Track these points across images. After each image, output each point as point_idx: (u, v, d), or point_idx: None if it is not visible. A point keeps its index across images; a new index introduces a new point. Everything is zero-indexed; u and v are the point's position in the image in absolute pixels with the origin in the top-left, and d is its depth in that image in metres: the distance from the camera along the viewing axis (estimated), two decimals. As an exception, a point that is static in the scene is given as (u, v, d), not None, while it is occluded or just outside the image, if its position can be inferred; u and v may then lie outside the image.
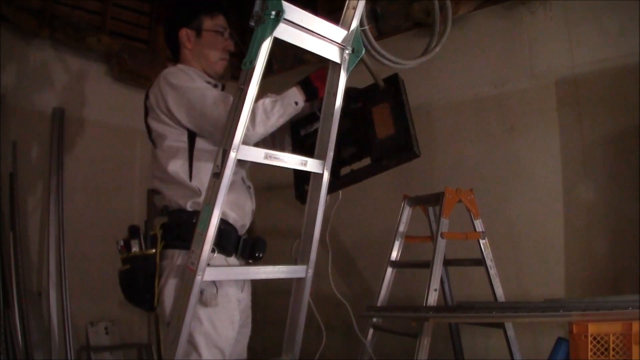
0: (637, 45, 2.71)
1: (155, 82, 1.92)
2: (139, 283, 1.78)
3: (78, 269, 3.58)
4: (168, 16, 2.19)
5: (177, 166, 1.85)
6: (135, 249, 1.80)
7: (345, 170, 2.09)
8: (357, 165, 2.06)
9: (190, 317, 1.43)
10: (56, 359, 3.31)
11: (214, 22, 2.00)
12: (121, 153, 4.00)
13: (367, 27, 1.84)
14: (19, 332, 3.12)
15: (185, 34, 1.97)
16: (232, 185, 1.85)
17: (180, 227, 1.79)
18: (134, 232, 1.83)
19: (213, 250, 1.73)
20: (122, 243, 1.84)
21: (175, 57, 2.04)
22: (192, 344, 1.67)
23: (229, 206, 1.84)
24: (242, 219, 1.91)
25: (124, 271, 1.83)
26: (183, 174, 1.84)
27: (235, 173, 1.89)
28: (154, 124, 1.94)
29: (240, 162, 1.92)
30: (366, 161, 2.04)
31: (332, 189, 1.98)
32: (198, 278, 1.40)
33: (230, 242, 1.83)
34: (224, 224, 1.81)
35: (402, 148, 1.92)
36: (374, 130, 1.98)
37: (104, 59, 3.89)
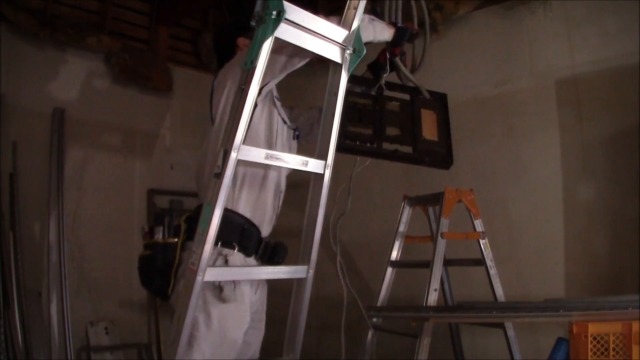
0: (637, 45, 2.71)
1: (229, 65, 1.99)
2: (157, 270, 1.80)
3: (78, 269, 3.58)
4: (222, 28, 2.37)
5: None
6: (158, 236, 1.82)
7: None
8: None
9: (191, 317, 1.43)
10: (56, 359, 3.31)
11: None
12: (121, 153, 4.00)
13: (404, 55, 2.16)
14: (19, 332, 3.12)
15: (243, 41, 2.09)
16: (262, 187, 1.88)
17: None
18: (159, 219, 1.83)
19: (233, 247, 1.77)
20: (146, 229, 1.86)
21: (221, 64, 2.10)
22: (194, 336, 1.66)
23: (256, 206, 1.86)
24: (264, 222, 1.91)
25: (145, 257, 1.84)
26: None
27: (274, 174, 1.92)
28: (215, 101, 1.93)
29: (276, 167, 1.92)
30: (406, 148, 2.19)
31: (369, 153, 2.16)
32: (199, 278, 1.40)
33: (252, 242, 1.84)
34: (247, 223, 1.83)
35: (443, 158, 2.21)
36: (421, 128, 2.18)
37: (104, 59, 3.89)
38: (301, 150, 1.67)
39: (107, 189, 3.86)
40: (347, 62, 1.64)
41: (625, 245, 2.69)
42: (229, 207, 1.80)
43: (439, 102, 2.31)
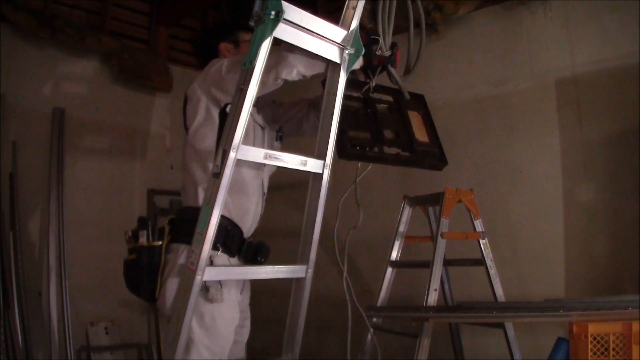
0: (636, 45, 2.71)
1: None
2: (142, 273, 1.82)
3: (78, 269, 3.58)
4: (206, 32, 2.41)
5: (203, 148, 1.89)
6: (142, 239, 1.83)
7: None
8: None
9: (190, 317, 1.43)
10: (56, 359, 3.31)
11: (248, 35, 2.12)
12: (121, 153, 4.00)
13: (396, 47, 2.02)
14: (19, 332, 3.13)
15: (225, 46, 2.15)
16: (246, 188, 1.90)
17: (188, 223, 1.80)
18: (142, 223, 1.86)
19: (217, 248, 1.78)
20: (130, 233, 1.88)
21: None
22: (190, 338, 1.67)
23: (238, 208, 1.89)
24: (249, 222, 1.94)
25: (130, 261, 1.86)
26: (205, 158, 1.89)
27: (255, 177, 1.95)
28: (189, 112, 1.97)
29: (260, 166, 1.95)
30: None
31: (375, 159, 2.06)
32: (198, 278, 1.40)
33: (235, 243, 1.87)
34: (231, 224, 1.86)
35: (439, 158, 2.15)
36: (413, 131, 2.12)
37: (104, 58, 3.90)
38: (301, 150, 1.66)
39: (107, 188, 3.86)
40: (346, 62, 1.64)
41: (625, 245, 2.68)
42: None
43: (419, 102, 2.29)
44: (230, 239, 1.84)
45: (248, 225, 1.94)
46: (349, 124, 1.96)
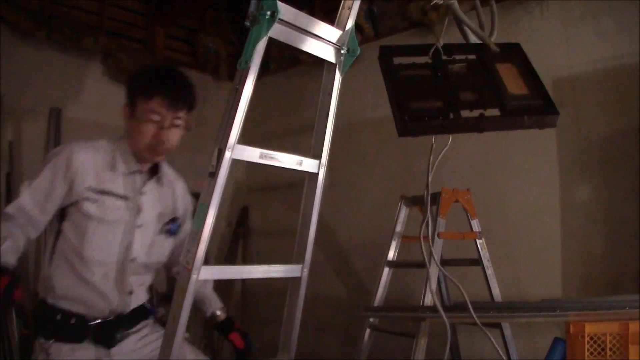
0: (634, 45, 2.71)
1: None
2: None
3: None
4: None
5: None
6: None
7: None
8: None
9: (186, 316, 1.43)
10: (54, 359, 3.29)
11: (148, 105, 1.72)
12: (118, 153, 3.99)
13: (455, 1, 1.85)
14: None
15: (124, 108, 1.81)
16: (83, 257, 1.74)
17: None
18: None
19: (49, 337, 1.69)
20: None
21: None
22: None
23: (73, 287, 1.74)
24: (94, 305, 1.74)
25: None
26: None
27: (91, 235, 1.76)
28: None
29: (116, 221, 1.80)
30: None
31: (447, 128, 1.86)
32: (193, 277, 1.40)
33: (74, 330, 1.71)
34: (59, 313, 1.71)
35: (545, 111, 1.84)
36: (504, 84, 1.86)
37: (101, 59, 3.90)
38: (298, 150, 1.66)
39: (105, 189, 3.85)
40: (342, 62, 1.64)
41: (623, 246, 2.69)
42: (42, 295, 1.75)
43: (513, 52, 2.02)
44: (61, 328, 1.69)
45: (96, 305, 1.71)
46: (410, 95, 1.76)
